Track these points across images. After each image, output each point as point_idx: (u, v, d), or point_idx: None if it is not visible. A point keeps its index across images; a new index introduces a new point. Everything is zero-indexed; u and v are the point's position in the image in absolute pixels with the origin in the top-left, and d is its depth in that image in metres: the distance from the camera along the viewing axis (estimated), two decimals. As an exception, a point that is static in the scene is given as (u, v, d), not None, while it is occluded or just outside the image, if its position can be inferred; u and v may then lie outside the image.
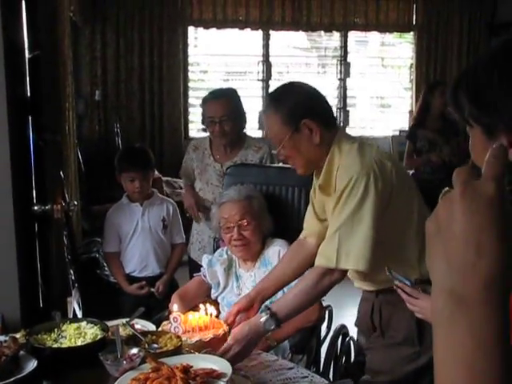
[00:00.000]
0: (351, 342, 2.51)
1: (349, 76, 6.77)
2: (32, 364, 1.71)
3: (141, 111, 6.21)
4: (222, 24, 6.38)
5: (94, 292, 3.35)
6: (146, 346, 1.80)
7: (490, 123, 0.86)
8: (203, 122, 3.04)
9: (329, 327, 2.56)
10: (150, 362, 1.66)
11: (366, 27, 6.71)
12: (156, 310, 2.65)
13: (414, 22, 6.79)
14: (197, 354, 1.75)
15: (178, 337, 1.83)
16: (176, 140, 6.15)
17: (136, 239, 3.17)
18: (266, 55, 6.60)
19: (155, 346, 1.81)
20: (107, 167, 5.45)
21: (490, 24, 6.70)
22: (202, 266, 2.61)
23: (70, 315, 2.84)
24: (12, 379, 1.64)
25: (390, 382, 1.96)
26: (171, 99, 6.24)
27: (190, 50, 6.47)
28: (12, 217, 2.62)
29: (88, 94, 6.07)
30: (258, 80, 6.65)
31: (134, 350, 1.73)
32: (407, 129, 6.80)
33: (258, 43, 6.59)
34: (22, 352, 1.76)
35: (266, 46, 6.59)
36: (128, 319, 2.01)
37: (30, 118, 2.70)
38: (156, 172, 4.75)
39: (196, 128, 6.25)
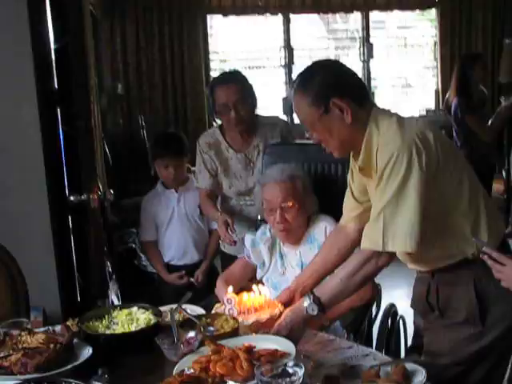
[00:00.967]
0: (401, 322, 2.44)
1: (372, 57, 6.67)
2: (87, 351, 1.68)
3: (164, 103, 6.17)
4: (241, 10, 6.30)
5: (132, 283, 3.32)
6: (202, 329, 1.75)
7: None
8: (212, 112, 2.80)
9: (378, 306, 2.49)
10: (209, 345, 1.61)
11: (387, 6, 6.60)
12: (199, 296, 2.58)
13: (437, -1, 6.67)
14: (255, 334, 1.69)
15: (234, 318, 1.78)
16: (200, 130, 6.05)
17: (173, 227, 3.12)
18: (288, 40, 6.52)
19: (211, 328, 1.77)
20: (134, 160, 5.46)
21: (516, -3, 6.55)
22: (235, 257, 2.56)
23: (109, 308, 2.80)
24: (69, 367, 1.60)
25: (451, 364, 1.88)
26: (194, 89, 6.19)
27: (210, 39, 6.41)
28: (47, 209, 2.59)
29: (110, 88, 6.03)
30: (281, 66, 6.57)
31: (192, 334, 1.69)
32: (434, 108, 6.72)
33: (279, 28, 6.50)
34: (75, 340, 1.73)
35: (287, 31, 6.51)
36: (176, 305, 1.96)
37: (58, 108, 2.69)
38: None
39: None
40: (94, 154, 2.94)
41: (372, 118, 1.79)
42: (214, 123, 3.03)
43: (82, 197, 2.53)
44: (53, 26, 2.55)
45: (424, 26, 6.96)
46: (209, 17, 6.33)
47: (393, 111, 1.89)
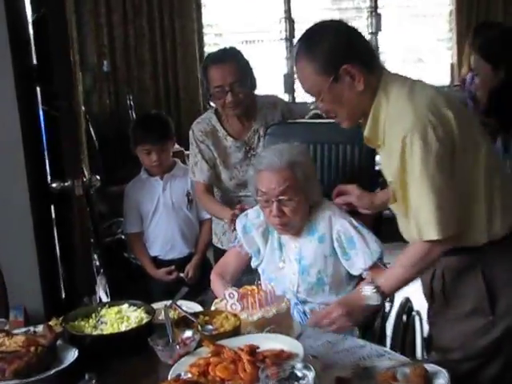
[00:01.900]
0: (417, 318, 2.42)
1: (380, 30, 6.61)
2: (72, 354, 1.66)
3: (154, 81, 6.10)
4: (237, -22, 6.23)
5: (122, 277, 3.31)
6: (200, 328, 1.71)
7: None
8: (207, 95, 2.73)
9: (392, 301, 2.45)
10: (208, 345, 1.58)
11: (398, -28, 6.53)
12: (195, 291, 2.55)
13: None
14: (260, 333, 1.67)
15: (235, 315, 1.75)
16: (194, 111, 6.04)
17: (158, 218, 3.09)
18: (288, 11, 6.45)
19: (210, 327, 1.74)
20: (122, 144, 5.40)
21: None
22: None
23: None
24: (52, 372, 1.57)
25: (463, 359, 1.87)
26: (186, 66, 6.12)
27: (204, 10, 6.33)
28: (27, 197, 2.56)
29: (95, 65, 5.98)
30: (281, 39, 6.50)
31: (188, 333, 1.66)
32: (448, 84, 6.66)
33: (279, -2, 6.44)
34: (59, 342, 1.69)
35: (288, 1, 6.42)
36: (170, 302, 1.93)
37: (38, 86, 2.65)
38: (177, 145, 4.69)
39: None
40: (78, 137, 2.91)
41: (382, 84, 1.77)
42: (209, 107, 2.97)
43: (66, 183, 2.49)
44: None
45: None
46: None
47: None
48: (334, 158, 2.50)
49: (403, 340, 2.33)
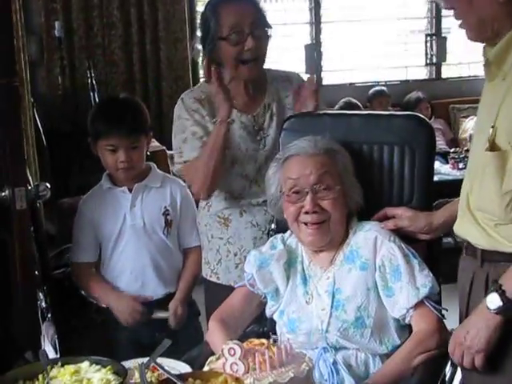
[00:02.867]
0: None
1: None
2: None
3: (126, 51, 6.19)
4: None
5: (78, 324, 3.33)
6: (188, 396, 1.75)
7: None
8: (212, 47, 2.78)
9: (455, 366, 2.46)
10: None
11: None
12: (179, 345, 2.58)
13: None
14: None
15: (237, 379, 1.78)
16: (181, 94, 6.08)
17: (124, 245, 3.07)
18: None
19: (202, 395, 1.77)
20: (79, 140, 5.44)
21: None
22: (230, 289, 2.58)
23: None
24: None
25: None
26: (171, 31, 6.22)
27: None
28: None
29: (43, 27, 6.05)
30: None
31: (172, 403, 1.69)
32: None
33: None
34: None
35: None
36: (147, 359, 1.96)
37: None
38: (156, 142, 4.73)
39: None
40: (21, 130, 2.94)
41: None
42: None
43: (3, 193, 2.53)
44: None
45: None
46: None
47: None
48: (377, 164, 2.52)
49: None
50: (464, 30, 1.99)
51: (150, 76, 6.26)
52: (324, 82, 6.65)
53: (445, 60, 6.99)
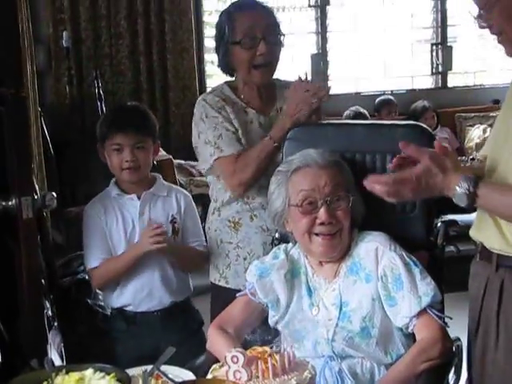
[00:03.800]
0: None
1: (448, -7, 6.74)
2: None
3: (133, 61, 6.21)
4: None
5: (84, 333, 3.33)
6: (191, 403, 1.76)
7: None
8: (225, 52, 2.90)
9: (458, 374, 2.47)
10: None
11: None
12: (183, 353, 2.58)
13: None
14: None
15: (241, 387, 1.78)
16: (188, 103, 6.12)
17: None
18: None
19: (205, 403, 1.77)
20: (87, 149, 5.48)
21: None
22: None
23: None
24: None
25: None
26: (178, 42, 6.23)
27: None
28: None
29: (51, 37, 6.07)
30: (310, 6, 6.58)
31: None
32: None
33: None
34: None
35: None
36: (150, 367, 1.97)
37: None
38: (163, 151, 4.74)
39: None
40: (28, 139, 2.95)
41: None
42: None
43: (10, 202, 2.53)
44: None
45: None
46: None
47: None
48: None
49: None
50: (493, 45, 2.03)
51: (156, 86, 6.27)
52: (330, 92, 6.59)
53: (451, 69, 6.98)
